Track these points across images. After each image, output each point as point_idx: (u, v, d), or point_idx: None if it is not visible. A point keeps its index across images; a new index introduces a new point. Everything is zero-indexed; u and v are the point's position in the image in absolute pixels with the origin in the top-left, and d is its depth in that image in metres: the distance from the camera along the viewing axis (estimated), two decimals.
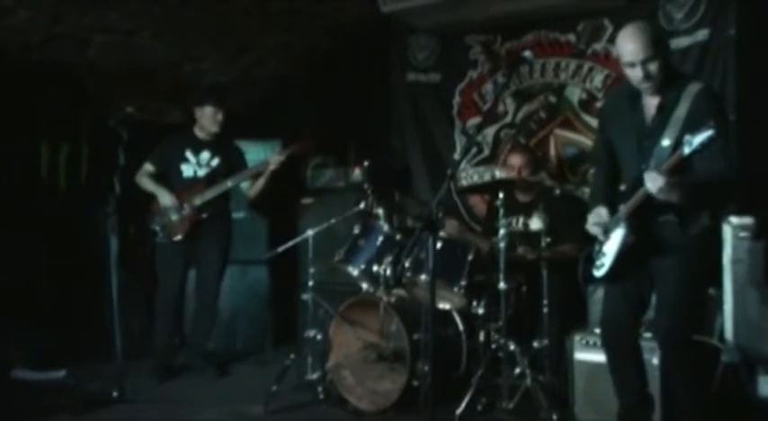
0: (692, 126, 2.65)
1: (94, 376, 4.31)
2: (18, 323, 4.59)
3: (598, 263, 2.98)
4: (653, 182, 2.64)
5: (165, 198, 4.51)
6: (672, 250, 2.83)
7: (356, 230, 4.19)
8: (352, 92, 5.70)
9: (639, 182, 2.77)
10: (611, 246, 2.93)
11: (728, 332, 3.51)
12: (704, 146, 2.52)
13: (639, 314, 3.07)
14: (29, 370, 4.48)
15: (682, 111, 2.74)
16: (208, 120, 4.61)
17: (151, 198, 4.57)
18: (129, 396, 4.00)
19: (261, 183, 4.59)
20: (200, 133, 4.67)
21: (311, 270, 4.12)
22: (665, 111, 2.81)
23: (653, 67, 2.77)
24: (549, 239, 3.82)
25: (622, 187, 3.14)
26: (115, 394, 3.96)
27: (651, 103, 2.88)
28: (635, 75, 2.81)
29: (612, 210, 2.97)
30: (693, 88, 2.78)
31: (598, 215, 3.00)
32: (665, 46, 2.86)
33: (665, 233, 2.85)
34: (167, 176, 4.64)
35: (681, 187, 2.65)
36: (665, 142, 2.74)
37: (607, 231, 2.96)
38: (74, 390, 4.21)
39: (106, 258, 4.10)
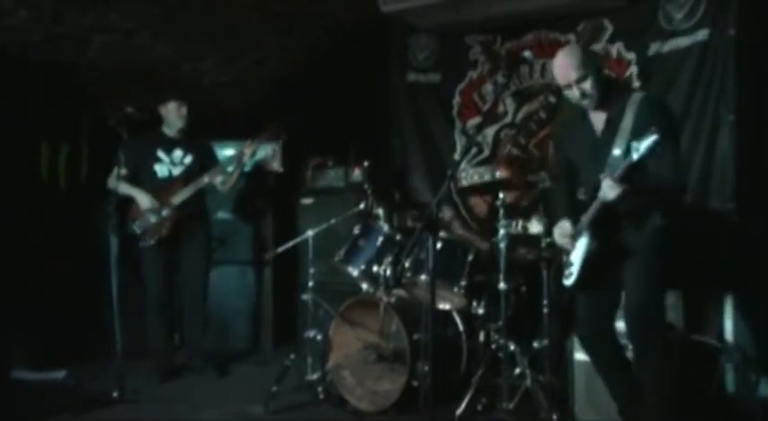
0: (638, 134, 2.80)
1: (94, 376, 4.31)
2: (18, 323, 4.58)
3: (567, 272, 3.06)
4: (610, 190, 2.79)
5: (145, 200, 4.46)
6: (630, 250, 2.94)
7: (356, 231, 4.19)
8: (352, 92, 5.70)
9: (599, 189, 2.88)
10: (577, 255, 3.01)
11: (728, 332, 3.51)
12: (651, 150, 2.67)
13: (612, 314, 3.15)
14: (29, 370, 4.48)
15: (628, 121, 2.91)
16: (173, 115, 4.59)
17: (130, 202, 4.51)
18: (129, 396, 4.01)
19: (234, 177, 4.58)
20: (168, 131, 4.64)
21: (311, 270, 4.12)
22: (612, 123, 2.97)
23: (586, 85, 2.95)
24: (548, 240, 3.82)
25: (581, 195, 3.29)
26: (115, 394, 3.96)
27: (599, 117, 3.05)
28: (572, 95, 3.00)
29: (575, 221, 3.07)
30: (636, 98, 2.94)
31: (562, 228, 3.12)
32: (596, 64, 3.03)
33: (623, 236, 2.96)
34: (140, 178, 4.56)
35: (635, 193, 2.80)
36: (616, 151, 2.90)
37: (573, 238, 3.05)
38: (74, 390, 4.22)
39: (106, 258, 4.10)
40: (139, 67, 5.25)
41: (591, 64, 2.97)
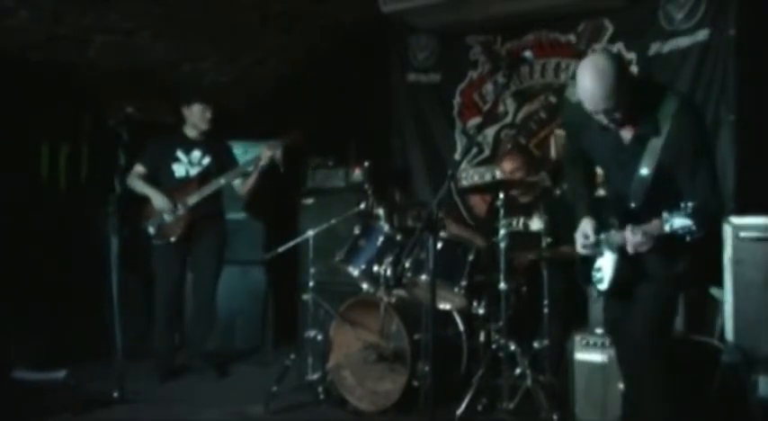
0: (669, 154, 2.67)
1: (94, 376, 4.30)
2: (18, 323, 4.58)
3: (598, 275, 2.99)
4: (641, 245, 2.67)
5: (159, 200, 4.48)
6: (652, 280, 2.87)
7: (356, 231, 4.19)
8: (352, 92, 5.70)
9: (626, 210, 2.80)
10: (607, 266, 2.93)
11: (728, 332, 3.51)
12: (685, 233, 2.49)
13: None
14: (29, 370, 4.47)
15: (659, 139, 2.69)
16: (197, 118, 4.61)
17: (145, 201, 4.55)
18: (129, 396, 4.00)
19: (252, 179, 4.58)
20: (190, 132, 4.66)
21: (311, 270, 4.12)
22: (643, 137, 2.75)
23: (616, 115, 2.68)
24: (549, 239, 3.82)
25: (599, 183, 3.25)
26: (115, 394, 3.95)
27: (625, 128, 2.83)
28: (599, 118, 2.73)
29: (596, 218, 2.96)
30: (669, 109, 2.68)
31: (584, 236, 2.96)
32: (628, 87, 2.65)
33: (650, 266, 2.86)
34: (158, 177, 4.61)
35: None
36: (644, 171, 2.73)
37: (599, 245, 2.95)
38: (74, 390, 4.21)
39: (106, 258, 4.10)
40: (139, 67, 5.25)
41: (623, 89, 2.62)
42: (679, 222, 2.49)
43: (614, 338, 3.21)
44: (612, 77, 2.60)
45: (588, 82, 2.63)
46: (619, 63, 2.67)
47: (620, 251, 2.85)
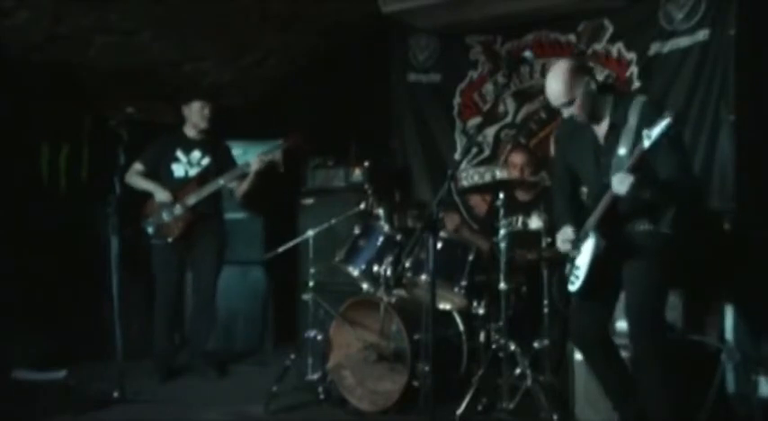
0: (643, 130, 2.76)
1: (94, 376, 4.31)
2: (18, 323, 4.58)
3: (572, 278, 3.05)
4: (621, 182, 2.73)
5: (161, 194, 4.50)
6: (634, 250, 2.92)
7: (356, 231, 4.19)
8: (352, 92, 5.70)
9: (603, 194, 2.88)
10: (584, 258, 2.98)
11: (728, 332, 3.51)
12: (664, 135, 2.59)
13: (608, 320, 3.19)
14: (29, 370, 4.47)
15: (632, 123, 2.87)
16: (196, 115, 4.60)
17: (145, 200, 4.55)
18: (129, 396, 4.00)
19: (247, 182, 4.56)
20: (190, 132, 4.66)
21: (311, 270, 4.12)
22: (615, 128, 2.95)
23: (572, 108, 2.96)
24: (549, 239, 3.82)
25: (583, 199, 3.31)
26: (115, 394, 3.96)
27: (601, 126, 3.03)
28: (566, 111, 3.00)
29: (578, 228, 3.06)
30: (638, 102, 2.92)
31: (565, 233, 3.11)
32: (584, 87, 2.93)
33: (639, 240, 2.93)
34: (158, 176, 4.61)
35: (644, 188, 2.76)
36: (622, 151, 2.86)
37: (577, 246, 3.03)
38: (74, 390, 4.21)
39: (106, 259, 4.10)
40: (139, 67, 5.25)
41: (577, 87, 2.92)
42: (657, 129, 2.59)
43: (583, 350, 3.24)
44: (566, 74, 2.93)
45: (548, 79, 3.01)
46: (575, 67, 2.98)
47: (598, 230, 2.91)
